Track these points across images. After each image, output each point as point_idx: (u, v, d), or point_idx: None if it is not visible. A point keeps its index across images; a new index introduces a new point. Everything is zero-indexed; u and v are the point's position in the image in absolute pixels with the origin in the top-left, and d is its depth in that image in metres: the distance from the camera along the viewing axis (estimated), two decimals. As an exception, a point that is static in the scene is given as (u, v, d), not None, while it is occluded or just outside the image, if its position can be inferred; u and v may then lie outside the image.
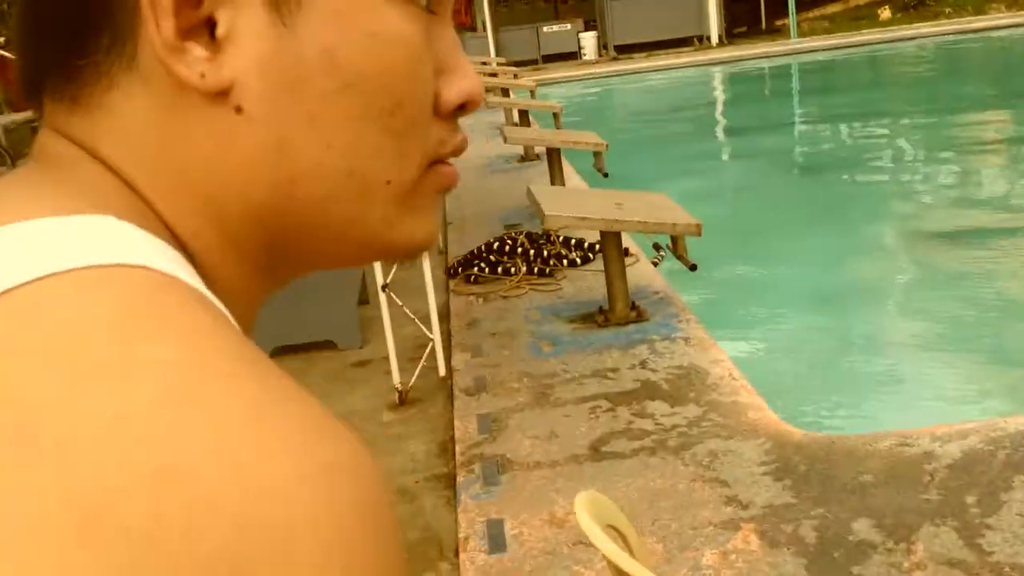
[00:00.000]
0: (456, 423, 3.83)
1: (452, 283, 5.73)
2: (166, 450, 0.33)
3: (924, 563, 2.58)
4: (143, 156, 0.45)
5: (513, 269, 5.66)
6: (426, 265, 4.23)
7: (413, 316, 4.31)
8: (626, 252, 5.66)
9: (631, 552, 1.54)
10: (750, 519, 2.89)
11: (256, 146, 0.45)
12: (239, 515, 0.33)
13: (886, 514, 2.84)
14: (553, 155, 7.03)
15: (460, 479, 3.37)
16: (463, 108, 0.51)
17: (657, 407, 3.73)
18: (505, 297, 5.36)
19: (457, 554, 2.92)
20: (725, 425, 3.51)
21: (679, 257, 4.64)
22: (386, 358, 4.35)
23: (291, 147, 0.45)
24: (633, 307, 4.75)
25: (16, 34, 0.48)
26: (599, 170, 6.95)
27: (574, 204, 4.60)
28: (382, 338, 4.26)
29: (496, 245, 5.86)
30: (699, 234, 4.47)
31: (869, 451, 3.22)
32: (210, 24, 0.43)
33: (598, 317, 4.74)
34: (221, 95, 0.44)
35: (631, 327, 4.62)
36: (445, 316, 5.24)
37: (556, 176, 6.96)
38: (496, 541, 2.94)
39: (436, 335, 4.27)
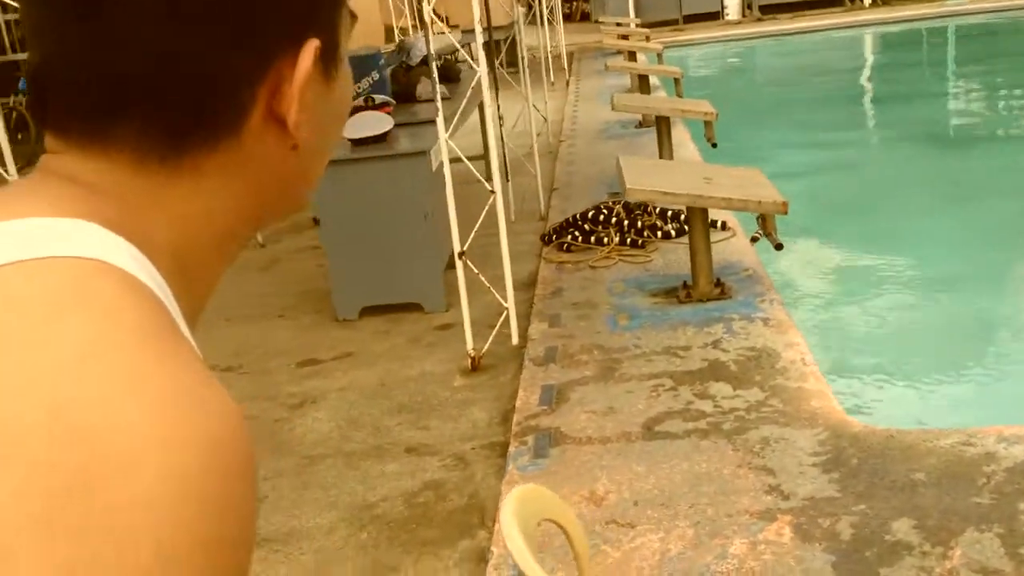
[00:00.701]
0: (520, 392, 3.89)
1: (545, 250, 5.77)
2: (62, 398, 0.47)
3: (958, 570, 2.50)
4: (204, 214, 0.62)
5: (606, 239, 5.64)
6: (503, 233, 4.27)
7: (489, 285, 4.37)
8: (723, 226, 5.58)
9: (572, 545, 1.57)
10: (788, 510, 2.85)
11: (291, 167, 0.64)
12: (99, 443, 0.46)
13: (931, 515, 2.75)
14: (662, 123, 6.93)
15: (512, 449, 3.44)
16: None
17: (720, 389, 3.69)
18: (593, 267, 5.36)
19: (496, 522, 2.99)
20: (784, 412, 3.45)
21: (767, 235, 4.54)
22: (456, 324, 4.44)
23: (302, 175, 0.66)
24: (718, 284, 4.69)
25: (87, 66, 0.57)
26: (709, 140, 6.82)
27: (660, 177, 4.56)
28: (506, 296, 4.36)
29: (591, 214, 5.85)
30: (785, 212, 4.36)
31: (928, 448, 3.11)
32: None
33: (680, 292, 4.70)
34: (297, 137, 0.61)
35: (711, 304, 4.56)
36: (531, 284, 5.29)
37: (664, 144, 6.87)
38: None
39: (511, 303, 4.32)
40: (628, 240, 5.59)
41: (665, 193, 4.27)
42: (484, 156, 5.55)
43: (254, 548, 0.54)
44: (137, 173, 0.58)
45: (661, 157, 6.91)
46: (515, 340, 4.36)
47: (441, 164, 4.41)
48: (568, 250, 5.68)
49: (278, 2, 0.59)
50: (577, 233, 5.75)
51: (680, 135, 7.89)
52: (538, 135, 7.59)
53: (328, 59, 0.62)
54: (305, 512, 3.26)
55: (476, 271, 4.27)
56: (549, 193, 7.03)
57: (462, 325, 4.54)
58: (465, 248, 4.17)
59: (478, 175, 4.31)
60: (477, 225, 4.30)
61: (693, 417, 3.49)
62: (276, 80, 0.59)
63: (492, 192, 4.15)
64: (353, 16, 0.68)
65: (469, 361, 4.25)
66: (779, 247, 4.46)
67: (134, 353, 0.49)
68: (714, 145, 6.80)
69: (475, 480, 3.34)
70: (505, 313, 4.35)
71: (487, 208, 4.23)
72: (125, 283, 0.53)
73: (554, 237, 5.85)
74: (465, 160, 4.40)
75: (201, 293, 0.66)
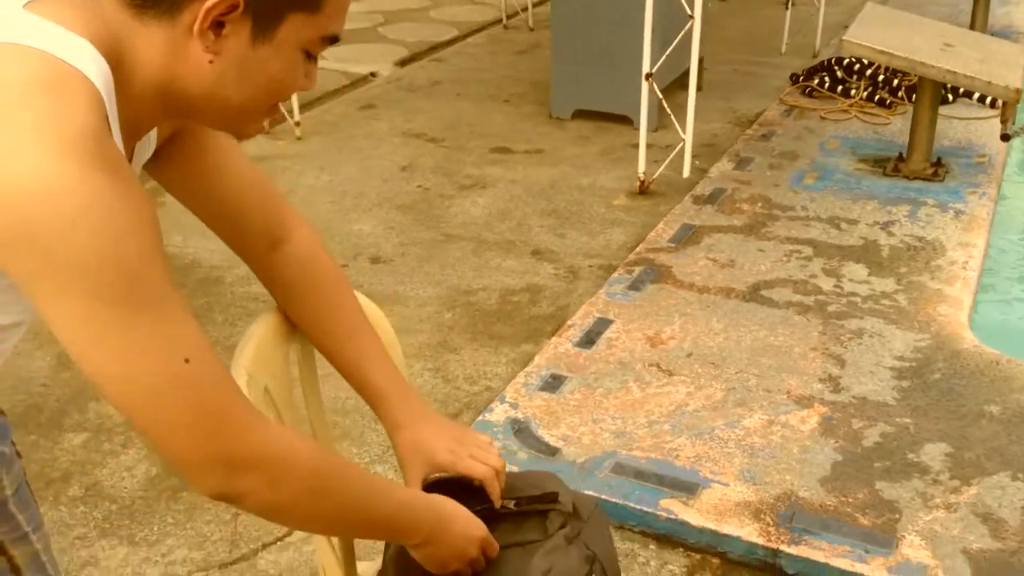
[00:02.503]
0: (659, 224, 3.91)
1: (787, 90, 5.49)
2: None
3: (958, 506, 2.38)
4: (150, 52, 0.92)
5: (853, 91, 5.27)
6: (693, 61, 4.14)
7: (670, 111, 4.31)
8: (992, 103, 5.03)
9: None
10: (829, 403, 2.78)
11: (207, 76, 0.93)
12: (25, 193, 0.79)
13: (972, 448, 2.59)
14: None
15: (614, 275, 3.53)
16: (299, 89, 1.02)
17: (853, 270, 3.51)
18: (824, 118, 5.07)
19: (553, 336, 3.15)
20: (901, 309, 3.26)
21: (1002, 121, 4.08)
22: (670, 146, 4.44)
23: (220, 86, 0.94)
24: (937, 163, 4.32)
25: None
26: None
27: (891, 33, 4.16)
28: (685, 125, 4.34)
29: (847, 61, 5.45)
30: (1017, 100, 3.88)
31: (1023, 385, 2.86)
32: (222, 27, 0.91)
33: (889, 164, 4.37)
34: (210, 52, 0.91)
35: (916, 183, 4.23)
36: (750, 122, 5.11)
37: (979, 14, 6.03)
38: (588, 337, 3.12)
39: (688, 135, 4.25)
40: (876, 97, 5.19)
41: (882, 52, 3.92)
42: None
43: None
44: (120, 10, 0.90)
45: (975, 18, 6.15)
46: (686, 173, 4.31)
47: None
48: (810, 95, 5.38)
49: None
50: (827, 78, 5.40)
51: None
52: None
53: (259, 27, 0.91)
54: (413, 281, 3.58)
55: (660, 95, 4.21)
56: (818, 31, 6.55)
57: (660, 148, 4.55)
58: (653, 70, 4.10)
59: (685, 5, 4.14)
60: (696, 52, 4.13)
61: (805, 291, 3.38)
62: (212, 6, 0.88)
63: (691, 17, 4.00)
64: (331, 39, 0.98)
65: (638, 184, 4.28)
66: (1004, 137, 4.01)
67: (61, 127, 0.81)
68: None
69: (572, 294, 3.48)
70: (680, 144, 4.29)
71: (685, 34, 4.09)
72: (80, 82, 0.84)
73: (801, 78, 5.53)
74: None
75: (141, 119, 0.98)
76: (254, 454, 0.95)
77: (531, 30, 6.91)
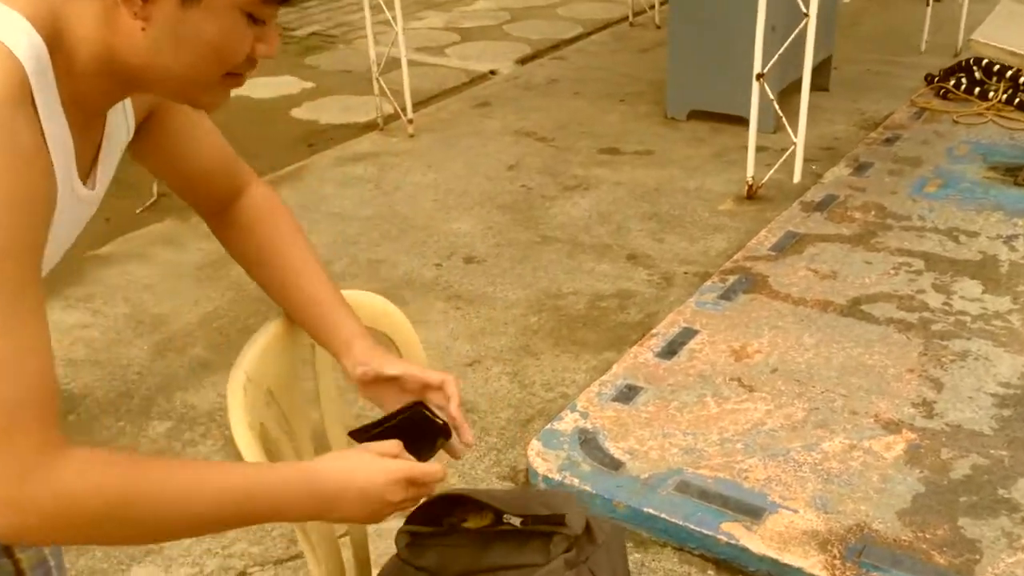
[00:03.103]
0: (762, 231, 3.77)
1: (920, 91, 5.20)
2: None
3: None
4: (88, 24, 0.91)
5: (991, 93, 4.95)
6: (807, 58, 3.96)
7: (781, 113, 4.14)
8: None
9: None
10: (919, 430, 2.62)
11: (141, 44, 0.92)
12: None
13: (1075, 490, 2.39)
14: None
15: (707, 283, 3.42)
16: (256, 58, 0.99)
17: (966, 287, 3.30)
18: (957, 121, 4.78)
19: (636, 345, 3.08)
20: (1013, 331, 3.03)
21: None
22: (786, 149, 4.28)
23: (157, 54, 0.92)
24: (1076, 174, 4.01)
25: None
26: None
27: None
28: (797, 129, 4.20)
29: (986, 61, 5.11)
30: None
31: None
32: None
33: (1022, 173, 4.09)
34: (140, 19, 0.90)
35: (1049, 194, 3.94)
36: (875, 125, 4.87)
37: None
38: (671, 348, 3.03)
39: (800, 138, 4.07)
40: (1016, 100, 4.86)
41: (1013, 53, 3.66)
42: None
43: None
44: None
45: None
46: (796, 178, 4.14)
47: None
48: (945, 96, 5.08)
49: None
50: (964, 79, 5.09)
51: None
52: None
53: None
54: (503, 283, 3.56)
55: (771, 95, 4.06)
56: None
57: (778, 149, 4.39)
58: (765, 70, 3.95)
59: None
60: (809, 53, 3.95)
61: (910, 307, 3.19)
62: None
63: (805, 15, 3.83)
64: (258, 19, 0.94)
65: (746, 188, 4.14)
66: None
67: None
68: None
69: (664, 302, 3.40)
70: (791, 148, 4.12)
71: (799, 33, 3.92)
72: (1, 57, 0.84)
73: (937, 79, 5.23)
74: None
75: (90, 95, 0.97)
76: (34, 495, 0.86)
77: (657, 28, 6.79)
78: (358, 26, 5.04)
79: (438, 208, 4.18)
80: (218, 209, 1.29)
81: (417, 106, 5.17)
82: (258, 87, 5.85)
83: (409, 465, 1.14)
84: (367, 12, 4.85)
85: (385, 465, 1.11)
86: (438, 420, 1.19)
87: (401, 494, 1.12)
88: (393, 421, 1.17)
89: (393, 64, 4.93)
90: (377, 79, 4.90)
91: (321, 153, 4.84)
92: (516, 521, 1.39)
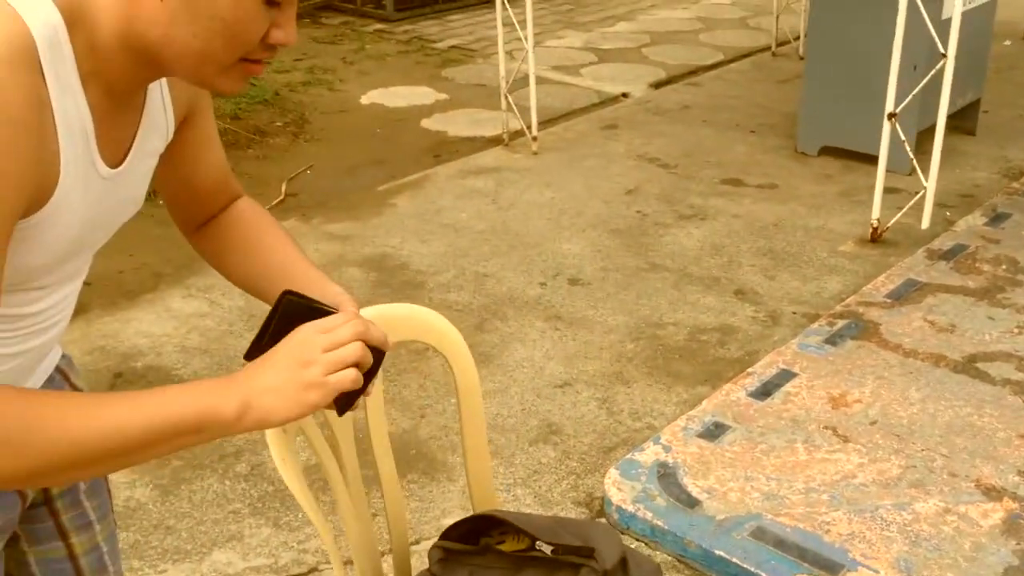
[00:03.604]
0: (880, 276, 3.63)
1: (1072, 142, 4.93)
2: None
3: None
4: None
5: None
6: (943, 103, 3.80)
7: (911, 153, 3.97)
8: None
9: (454, 375, 1.64)
10: (1021, 500, 2.47)
11: (159, 15, 0.94)
12: None
13: None
14: None
15: (814, 325, 3.31)
16: (276, 45, 1.00)
17: (1096, 352, 3.10)
18: (1109, 176, 4.50)
19: (733, 381, 3.01)
20: None
21: None
22: (917, 193, 4.12)
23: (174, 26, 0.94)
24: None
25: None
26: None
27: None
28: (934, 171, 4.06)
29: None
30: None
31: None
32: None
33: None
34: None
35: None
36: (1020, 174, 4.63)
37: None
38: (765, 388, 2.95)
39: (931, 182, 3.90)
40: None
41: None
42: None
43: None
44: None
45: None
46: (925, 224, 3.97)
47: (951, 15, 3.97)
48: (1100, 149, 4.80)
49: None
50: (1122, 132, 4.80)
51: None
52: None
53: None
54: (605, 307, 3.54)
55: (903, 136, 3.90)
56: None
57: (911, 192, 4.23)
58: (898, 110, 3.81)
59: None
60: (946, 90, 3.80)
61: (1030, 369, 3.02)
62: None
63: (943, 55, 3.68)
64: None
65: (870, 230, 4.00)
66: None
67: None
68: None
69: (766, 340, 3.31)
70: (921, 192, 3.96)
71: (938, 70, 3.76)
72: (5, 20, 0.87)
73: (1092, 129, 4.94)
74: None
75: (113, 72, 0.99)
76: None
77: (800, 59, 6.62)
78: (496, 41, 5.12)
79: (550, 227, 4.19)
80: (204, 220, 1.31)
81: (544, 124, 5.20)
82: (393, 96, 6.00)
83: (344, 333, 1.01)
84: (499, 29, 4.91)
85: (312, 333, 1.01)
86: (313, 303, 1.06)
87: (315, 345, 0.99)
88: (273, 322, 1.04)
89: (525, 81, 4.98)
90: (505, 95, 4.95)
91: (445, 164, 4.92)
92: (548, 549, 1.38)
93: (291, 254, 1.22)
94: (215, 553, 2.46)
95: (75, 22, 0.93)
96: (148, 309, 3.58)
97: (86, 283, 4.15)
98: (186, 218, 1.31)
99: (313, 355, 0.98)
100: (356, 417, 1.46)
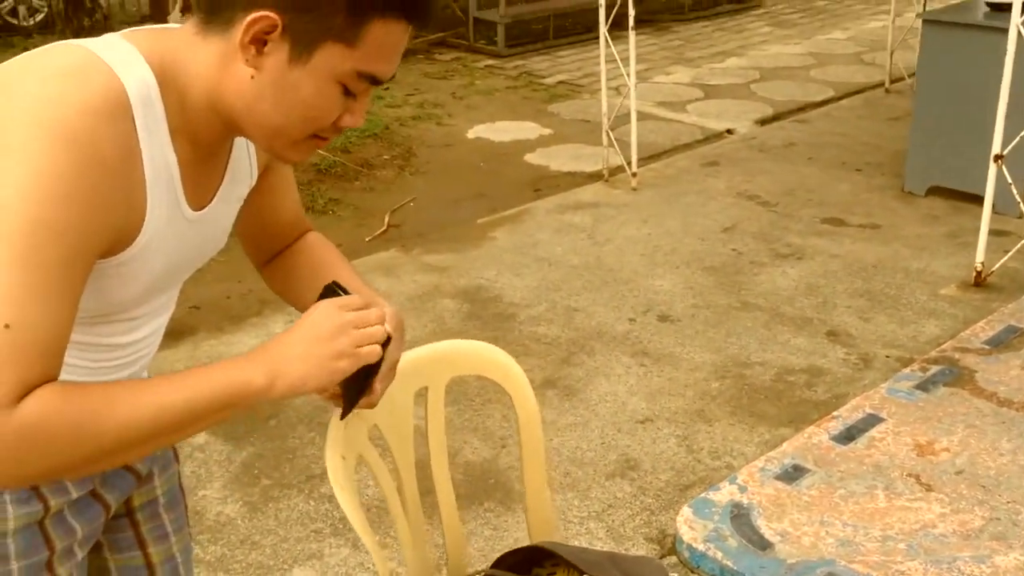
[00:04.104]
0: (981, 322, 3.53)
1: None
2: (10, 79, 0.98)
3: None
4: (205, 64, 1.05)
5: None
6: None
7: (1017, 197, 3.85)
8: None
9: (516, 410, 1.72)
10: (1114, 559, 2.37)
11: (248, 89, 1.04)
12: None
13: None
14: None
15: (906, 370, 3.24)
16: (341, 127, 1.10)
17: None
18: None
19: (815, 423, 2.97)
20: None
21: None
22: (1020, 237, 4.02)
23: (259, 101, 1.04)
24: None
25: None
26: None
27: None
28: None
29: None
30: None
31: None
32: (264, 45, 1.02)
33: None
34: (251, 66, 1.03)
35: None
36: None
37: None
38: (849, 432, 2.90)
39: (1038, 229, 3.78)
40: None
41: None
42: None
43: (92, 233, 0.96)
44: (192, 31, 1.05)
45: None
46: (1031, 268, 3.85)
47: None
48: None
49: None
50: None
51: None
52: None
53: (296, 49, 1.00)
54: (693, 344, 3.54)
55: (1010, 180, 3.80)
56: None
57: (1017, 235, 4.11)
58: (1005, 151, 3.72)
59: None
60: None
61: None
62: (252, 21, 0.99)
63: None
64: (377, 80, 1.05)
65: (974, 274, 3.90)
66: None
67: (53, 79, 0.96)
68: None
69: (856, 384, 3.26)
70: (1028, 236, 3.84)
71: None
72: (99, 73, 0.98)
73: None
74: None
75: (199, 127, 1.09)
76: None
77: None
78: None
79: (644, 263, 4.21)
80: (274, 255, 1.41)
81: (646, 160, 5.24)
82: (498, 131, 6.13)
83: (349, 316, 1.12)
84: (603, 65, 4.98)
85: (328, 313, 1.12)
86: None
87: (343, 319, 1.10)
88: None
89: (629, 117, 5.03)
90: (607, 131, 5.02)
91: (545, 198, 5.01)
92: None
93: (344, 274, 1.30)
94: (295, 570, 2.57)
95: (167, 82, 1.04)
96: (252, 333, 3.75)
97: (195, 307, 4.36)
98: (258, 252, 1.42)
99: (343, 328, 1.10)
100: (418, 448, 1.54)
